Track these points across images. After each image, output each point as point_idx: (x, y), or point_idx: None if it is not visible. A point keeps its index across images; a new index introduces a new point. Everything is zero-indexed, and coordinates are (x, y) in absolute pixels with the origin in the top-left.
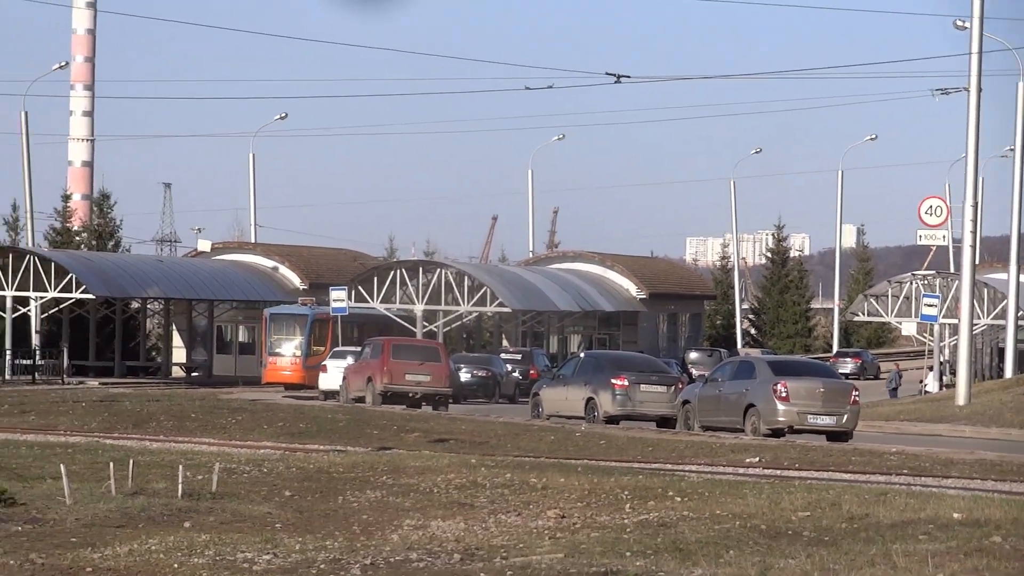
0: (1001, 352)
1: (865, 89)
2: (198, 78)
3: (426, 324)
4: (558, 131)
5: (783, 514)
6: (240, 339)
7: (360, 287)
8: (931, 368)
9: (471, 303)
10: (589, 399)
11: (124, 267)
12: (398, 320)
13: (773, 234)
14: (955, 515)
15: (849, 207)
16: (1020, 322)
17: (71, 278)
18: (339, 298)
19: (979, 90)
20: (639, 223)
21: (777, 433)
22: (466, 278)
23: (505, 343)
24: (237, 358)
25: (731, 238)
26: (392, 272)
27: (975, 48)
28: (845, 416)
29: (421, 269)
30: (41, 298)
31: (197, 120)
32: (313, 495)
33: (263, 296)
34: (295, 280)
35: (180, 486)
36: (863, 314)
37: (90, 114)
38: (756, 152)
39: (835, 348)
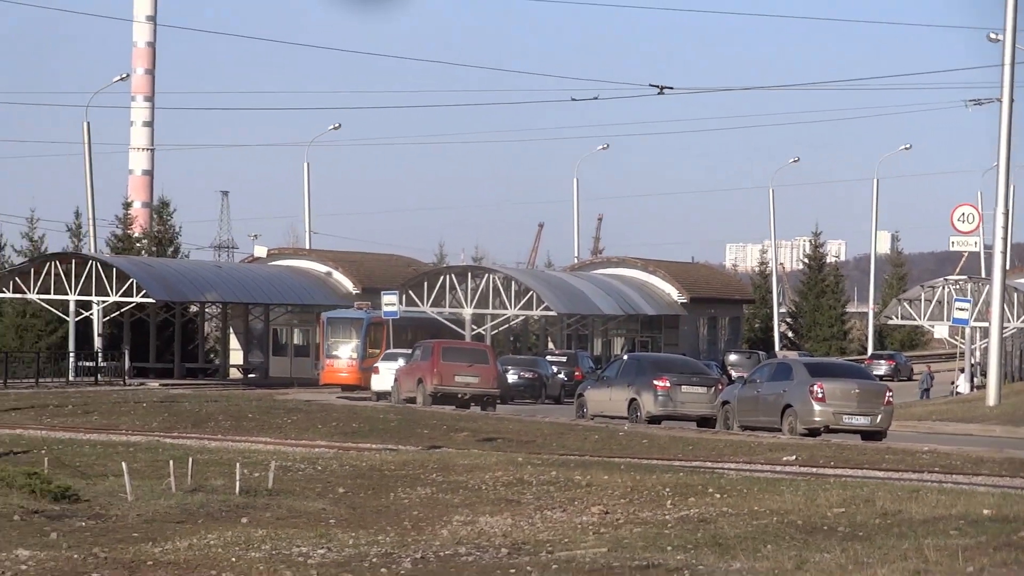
0: None
1: (900, 100)
2: (255, 90)
3: (474, 327)
4: (602, 141)
5: (819, 510)
6: (295, 342)
7: (411, 291)
8: (962, 370)
9: (518, 307)
10: (632, 400)
11: (183, 272)
12: (448, 323)
13: (810, 240)
14: (985, 511)
15: (884, 214)
16: None
17: (132, 283)
18: (390, 302)
19: (1011, 100)
20: (681, 230)
21: (813, 432)
22: (513, 283)
23: (551, 346)
24: (292, 360)
25: (770, 244)
26: (442, 277)
27: (1008, 60)
28: (879, 416)
29: (470, 274)
30: (103, 302)
31: (253, 130)
32: (366, 492)
33: (317, 300)
34: (348, 285)
35: (238, 483)
36: (897, 318)
37: (150, 124)
38: (794, 161)
39: (870, 351)
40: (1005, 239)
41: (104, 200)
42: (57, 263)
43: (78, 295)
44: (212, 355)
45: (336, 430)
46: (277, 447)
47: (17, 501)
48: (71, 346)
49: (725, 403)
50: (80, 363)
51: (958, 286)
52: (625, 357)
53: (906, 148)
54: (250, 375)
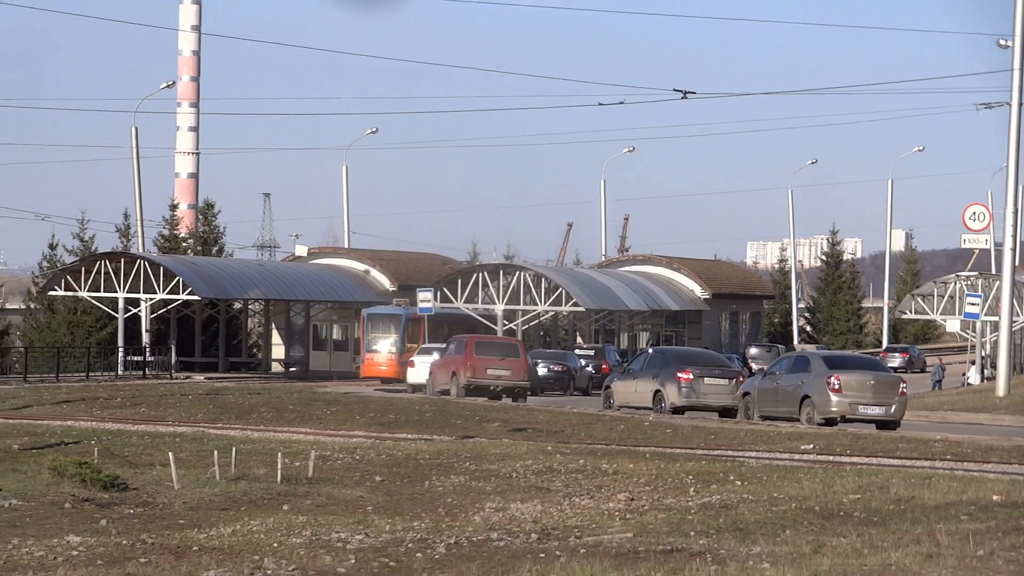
0: None
1: (914, 104)
2: (295, 95)
3: (506, 322)
4: (629, 143)
5: (835, 496)
6: (334, 337)
7: (445, 289)
8: (973, 362)
9: (548, 303)
10: (657, 391)
11: (227, 270)
12: (480, 319)
13: (828, 239)
14: (995, 497)
15: (899, 213)
16: None
17: (178, 281)
18: (426, 299)
19: (1020, 104)
20: (704, 228)
21: (830, 422)
22: (543, 280)
23: (579, 340)
24: (331, 354)
25: (789, 242)
26: (475, 275)
27: (1017, 65)
28: (893, 407)
29: (502, 272)
30: (151, 299)
31: (294, 135)
32: (401, 480)
33: (355, 297)
34: (385, 282)
35: (279, 472)
36: (910, 312)
37: (195, 129)
38: (812, 163)
39: (884, 344)
40: (1014, 236)
41: (152, 202)
42: (107, 262)
43: (127, 293)
44: (255, 350)
45: (373, 421)
46: (317, 437)
47: (68, 489)
48: (120, 341)
49: (746, 394)
50: (129, 358)
51: (969, 282)
52: (650, 351)
53: (919, 150)
54: (291, 368)
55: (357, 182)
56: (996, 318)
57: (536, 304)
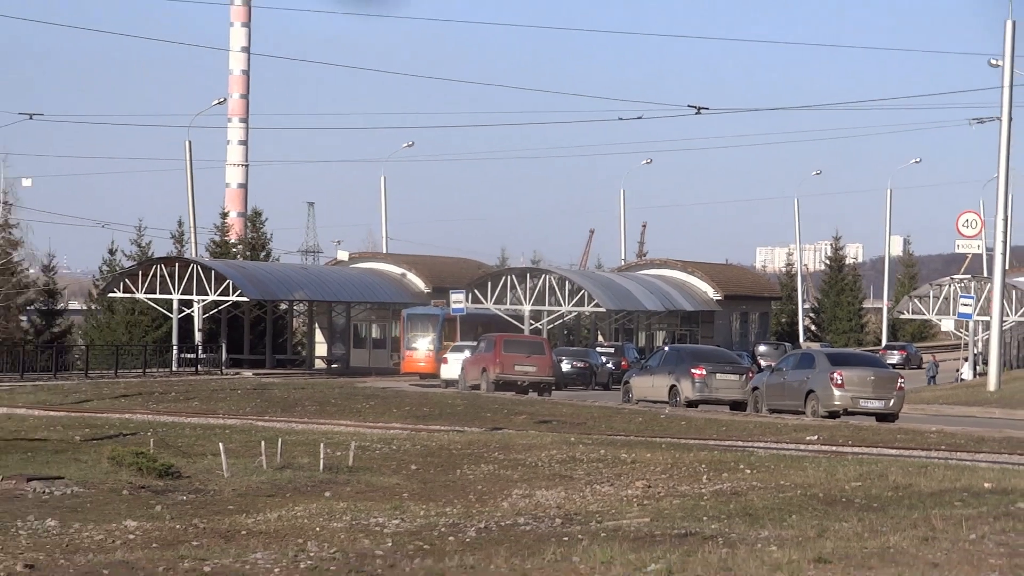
0: None
1: (911, 119)
2: (337, 111)
3: (532, 322)
4: (646, 155)
5: (838, 484)
6: (373, 335)
7: (476, 290)
8: (966, 359)
9: (571, 304)
10: (672, 386)
11: (274, 274)
12: (508, 319)
13: (831, 244)
14: (986, 485)
15: (897, 220)
16: None
17: (228, 283)
18: (458, 300)
19: (1010, 119)
20: (716, 235)
21: (833, 415)
22: (567, 283)
23: (600, 338)
24: (371, 352)
25: (795, 248)
26: (504, 278)
27: (1007, 82)
28: (892, 400)
29: (528, 275)
30: (202, 301)
31: (337, 147)
32: (435, 469)
33: (393, 299)
34: (421, 285)
35: (322, 461)
36: (908, 312)
37: (244, 143)
38: (817, 174)
39: (884, 342)
40: (1005, 242)
41: (204, 210)
42: (162, 266)
43: (181, 295)
44: (299, 348)
45: (409, 414)
46: (356, 429)
47: (126, 477)
48: (174, 340)
49: (755, 389)
50: (182, 355)
51: (963, 284)
52: (666, 348)
53: (916, 161)
54: (333, 365)
55: (394, 191)
56: (987, 318)
57: (560, 305)
